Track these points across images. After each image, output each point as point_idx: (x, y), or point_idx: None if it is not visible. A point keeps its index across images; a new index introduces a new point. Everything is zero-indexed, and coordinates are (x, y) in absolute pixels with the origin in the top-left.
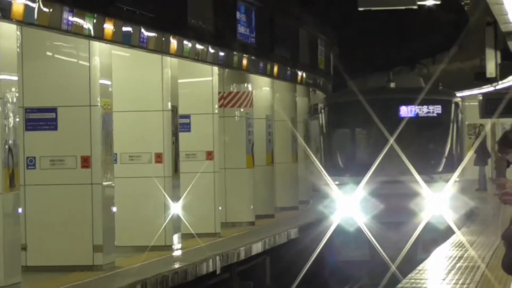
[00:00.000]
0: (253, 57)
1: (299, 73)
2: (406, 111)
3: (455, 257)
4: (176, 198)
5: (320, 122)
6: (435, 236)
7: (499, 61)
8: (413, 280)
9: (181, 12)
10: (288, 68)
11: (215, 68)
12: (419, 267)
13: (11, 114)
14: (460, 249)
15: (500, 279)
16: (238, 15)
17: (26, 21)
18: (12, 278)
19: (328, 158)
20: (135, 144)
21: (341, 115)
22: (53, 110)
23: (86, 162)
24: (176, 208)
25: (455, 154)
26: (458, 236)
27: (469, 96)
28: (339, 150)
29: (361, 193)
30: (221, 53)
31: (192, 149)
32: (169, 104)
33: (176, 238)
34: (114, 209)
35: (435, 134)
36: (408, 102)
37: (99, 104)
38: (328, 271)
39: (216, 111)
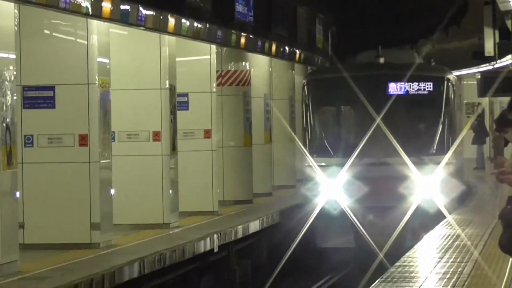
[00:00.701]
0: (251, 36)
1: (297, 51)
2: (395, 88)
3: (445, 245)
4: (173, 176)
5: (302, 100)
6: (425, 222)
7: (497, 40)
8: (400, 268)
9: None
10: (286, 46)
11: (213, 47)
12: (407, 254)
13: (8, 92)
14: (451, 236)
15: (498, 258)
16: None
17: None
18: (9, 256)
19: (310, 138)
20: (133, 122)
21: (324, 93)
22: (51, 88)
23: (83, 140)
24: (173, 186)
25: (448, 134)
26: (450, 221)
27: (467, 75)
28: (322, 130)
29: (346, 175)
30: (219, 32)
31: (190, 127)
32: (167, 82)
33: (173, 216)
34: (112, 191)
35: (426, 113)
36: (396, 79)
37: (97, 82)
38: (312, 258)
39: (214, 89)
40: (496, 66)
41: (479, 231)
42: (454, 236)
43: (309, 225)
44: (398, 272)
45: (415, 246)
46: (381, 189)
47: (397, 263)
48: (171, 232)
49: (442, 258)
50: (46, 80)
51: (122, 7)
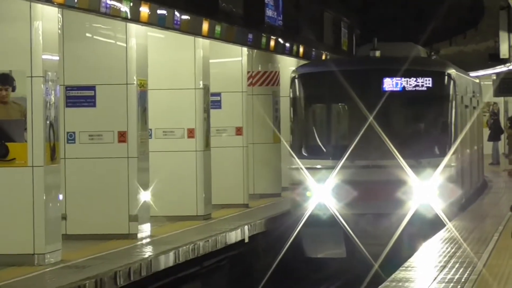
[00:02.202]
0: (280, 39)
1: (324, 54)
2: (390, 84)
3: (446, 255)
4: (206, 171)
5: (290, 96)
6: (423, 230)
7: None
8: (395, 283)
9: None
10: (313, 49)
11: (244, 49)
12: (404, 265)
13: (52, 92)
14: (451, 246)
15: (504, 269)
16: None
17: (67, 4)
18: (53, 245)
19: (298, 138)
20: (169, 120)
21: (313, 89)
22: (92, 88)
23: (122, 137)
24: (206, 181)
25: (448, 135)
26: (450, 229)
27: (484, 76)
28: (310, 129)
29: (336, 179)
30: (250, 35)
31: (223, 125)
32: (201, 82)
33: (207, 208)
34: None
35: (424, 112)
36: (392, 74)
37: (135, 82)
38: (301, 267)
39: (245, 89)
40: (510, 67)
41: (482, 240)
42: (455, 246)
43: (297, 233)
44: (394, 286)
45: (412, 257)
46: (374, 194)
47: (393, 275)
48: (204, 223)
49: (442, 270)
50: (88, 80)
51: (159, 11)
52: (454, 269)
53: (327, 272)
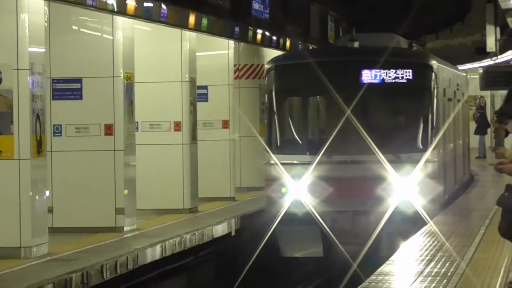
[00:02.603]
0: (266, 32)
1: (310, 47)
2: (369, 76)
3: (427, 255)
4: (193, 164)
5: (265, 89)
6: (403, 228)
7: (498, 36)
8: (374, 284)
9: None
10: (300, 42)
11: (231, 42)
12: (384, 265)
13: (38, 84)
14: (433, 245)
15: (487, 270)
16: None
17: None
18: (39, 239)
19: (272, 132)
20: (155, 113)
21: (288, 80)
22: (78, 80)
23: (109, 129)
24: (192, 174)
25: (429, 129)
26: (431, 227)
27: (470, 69)
28: (285, 123)
29: (313, 175)
30: (237, 28)
31: (209, 118)
32: (188, 75)
33: (193, 201)
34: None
35: (405, 105)
36: (371, 65)
37: (121, 75)
38: (278, 266)
39: (232, 82)
40: (497, 61)
41: (466, 239)
42: (437, 245)
43: (272, 231)
44: (380, 280)
45: (392, 257)
46: (353, 191)
47: (372, 276)
48: (191, 216)
49: (423, 270)
50: (74, 73)
51: (145, 4)
52: (440, 263)
53: (304, 272)
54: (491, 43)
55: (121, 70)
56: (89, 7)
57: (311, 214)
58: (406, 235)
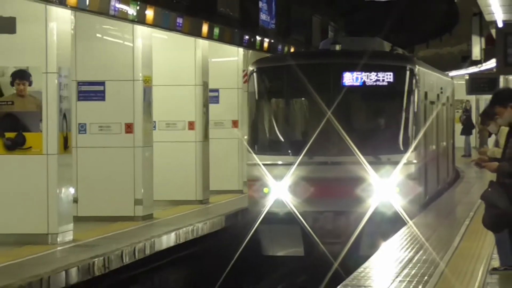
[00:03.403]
0: (272, 41)
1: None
2: (350, 78)
3: (406, 255)
4: (205, 160)
5: (248, 90)
6: (383, 228)
7: (483, 46)
8: (355, 281)
9: (212, 1)
10: (302, 50)
11: (240, 49)
12: (364, 265)
13: (65, 87)
14: (413, 245)
15: (466, 271)
16: (260, 4)
17: (79, 7)
18: (65, 226)
19: (255, 133)
20: (171, 113)
21: (271, 83)
22: (102, 83)
23: (129, 128)
24: (205, 168)
25: (409, 131)
26: (411, 228)
27: (457, 76)
28: (268, 124)
29: (294, 176)
30: (246, 37)
31: (220, 118)
32: (201, 79)
33: (205, 193)
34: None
35: (385, 107)
36: (352, 68)
37: (141, 79)
38: (260, 264)
39: (241, 86)
40: (481, 68)
41: (445, 240)
42: (417, 245)
43: (254, 230)
44: (353, 285)
45: (372, 257)
46: (333, 192)
47: (351, 276)
48: (203, 207)
49: (402, 271)
50: (98, 76)
51: (163, 14)
52: (419, 264)
53: (285, 271)
54: (476, 52)
55: (140, 74)
56: (111, 17)
57: (293, 214)
58: (386, 235)
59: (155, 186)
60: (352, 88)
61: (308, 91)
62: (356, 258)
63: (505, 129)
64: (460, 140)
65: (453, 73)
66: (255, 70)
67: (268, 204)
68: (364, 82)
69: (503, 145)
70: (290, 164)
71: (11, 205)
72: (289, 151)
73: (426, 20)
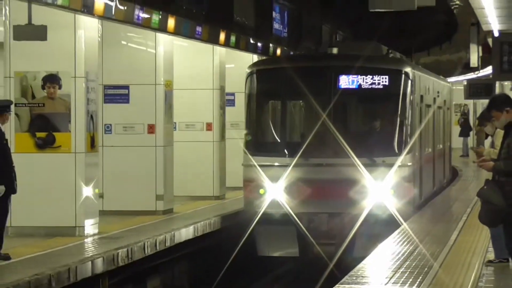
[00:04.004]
0: (285, 48)
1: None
2: (346, 81)
3: (400, 257)
4: (221, 159)
5: (245, 92)
6: (377, 230)
7: (480, 54)
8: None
9: (229, 11)
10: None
11: (255, 56)
12: (358, 267)
13: (92, 90)
14: (406, 247)
15: (460, 271)
16: (274, 14)
17: (106, 16)
18: (91, 220)
19: (252, 134)
20: (190, 115)
21: (267, 85)
22: (126, 87)
23: (151, 129)
24: (222, 166)
25: (404, 133)
26: (405, 230)
27: (456, 81)
28: (264, 126)
29: (290, 177)
30: (260, 44)
31: (236, 119)
32: (218, 84)
33: (222, 189)
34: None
35: (380, 110)
36: (348, 71)
37: (162, 83)
38: (255, 265)
39: None
40: (479, 75)
41: (439, 241)
42: (411, 247)
43: (250, 231)
44: (358, 276)
45: (366, 258)
46: (329, 193)
47: (345, 278)
48: (219, 202)
49: (395, 273)
50: (122, 80)
51: (183, 23)
52: (428, 244)
53: (280, 271)
54: (474, 60)
55: (162, 79)
56: (135, 25)
57: (288, 215)
58: (380, 237)
59: (175, 182)
60: (347, 90)
61: (304, 94)
62: (350, 260)
63: (500, 132)
64: (458, 142)
65: (452, 79)
66: (252, 72)
67: (263, 205)
68: (359, 85)
69: (498, 146)
70: (286, 165)
71: (41, 199)
72: (285, 153)
73: (427, 30)
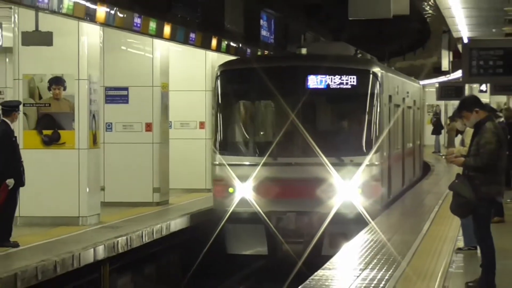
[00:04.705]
0: (271, 53)
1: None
2: (314, 81)
3: (368, 255)
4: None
5: (214, 92)
6: (345, 229)
7: (451, 59)
8: (314, 282)
9: (220, 19)
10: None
11: None
12: (325, 265)
13: (94, 91)
14: (374, 245)
15: (426, 271)
16: (261, 22)
17: (107, 23)
18: (93, 211)
19: (221, 134)
20: (185, 114)
21: (236, 85)
22: (126, 89)
23: (149, 127)
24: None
25: (372, 133)
26: (373, 228)
27: (429, 84)
28: (233, 125)
29: (259, 176)
30: (248, 49)
31: None
32: (211, 86)
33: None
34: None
35: (348, 110)
36: (316, 71)
37: (159, 85)
38: (221, 266)
39: None
40: (449, 78)
41: (423, 215)
42: (379, 245)
43: (219, 230)
44: (313, 286)
45: (334, 257)
46: (297, 192)
47: (312, 276)
48: (211, 194)
49: (363, 270)
50: (122, 82)
51: (178, 30)
52: (402, 235)
53: (249, 269)
54: (445, 64)
55: (159, 81)
56: (134, 32)
57: (257, 214)
58: (348, 235)
59: (171, 176)
60: (316, 90)
61: (273, 93)
62: (318, 258)
63: (470, 130)
64: (431, 139)
65: (425, 81)
66: (220, 72)
67: (233, 204)
68: (328, 85)
69: (468, 144)
70: (255, 164)
71: (47, 192)
72: (254, 152)
73: (403, 36)
